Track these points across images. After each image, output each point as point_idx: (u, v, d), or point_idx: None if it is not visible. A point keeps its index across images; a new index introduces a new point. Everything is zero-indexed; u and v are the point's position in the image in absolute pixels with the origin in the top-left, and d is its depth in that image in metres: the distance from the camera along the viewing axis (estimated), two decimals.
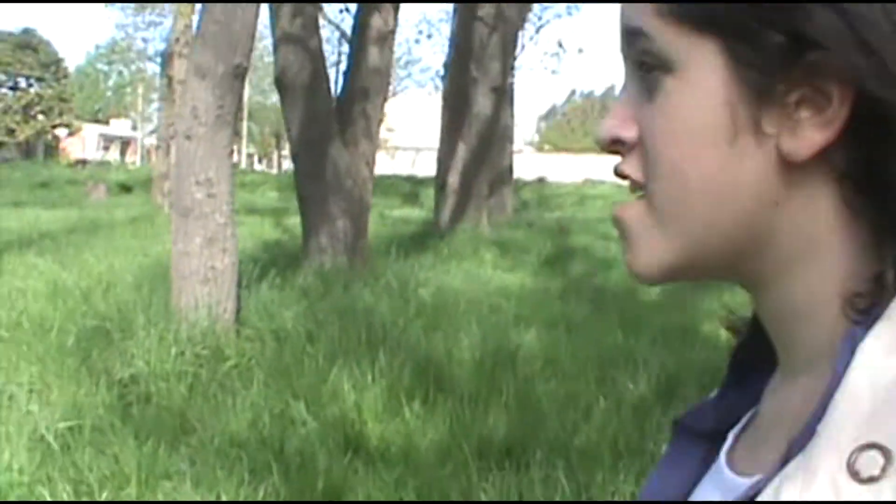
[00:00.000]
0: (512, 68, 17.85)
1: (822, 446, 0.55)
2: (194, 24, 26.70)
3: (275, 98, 58.31)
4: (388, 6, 11.34)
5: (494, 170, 20.58)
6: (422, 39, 24.07)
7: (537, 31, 21.24)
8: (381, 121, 11.53)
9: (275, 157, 69.50)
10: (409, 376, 6.46)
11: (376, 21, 11.28)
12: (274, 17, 10.65)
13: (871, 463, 0.53)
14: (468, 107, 17.73)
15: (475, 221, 17.99)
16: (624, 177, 0.68)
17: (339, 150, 10.76)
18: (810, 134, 0.60)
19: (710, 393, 0.80)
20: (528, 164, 51.72)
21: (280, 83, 10.57)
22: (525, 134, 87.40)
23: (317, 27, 10.74)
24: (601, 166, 70.34)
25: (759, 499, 0.58)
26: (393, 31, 11.57)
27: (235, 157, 55.21)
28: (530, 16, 20.07)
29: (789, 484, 0.56)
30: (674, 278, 0.68)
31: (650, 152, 0.65)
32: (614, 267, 14.87)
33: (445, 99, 19.05)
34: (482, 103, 17.38)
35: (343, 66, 13.89)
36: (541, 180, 44.51)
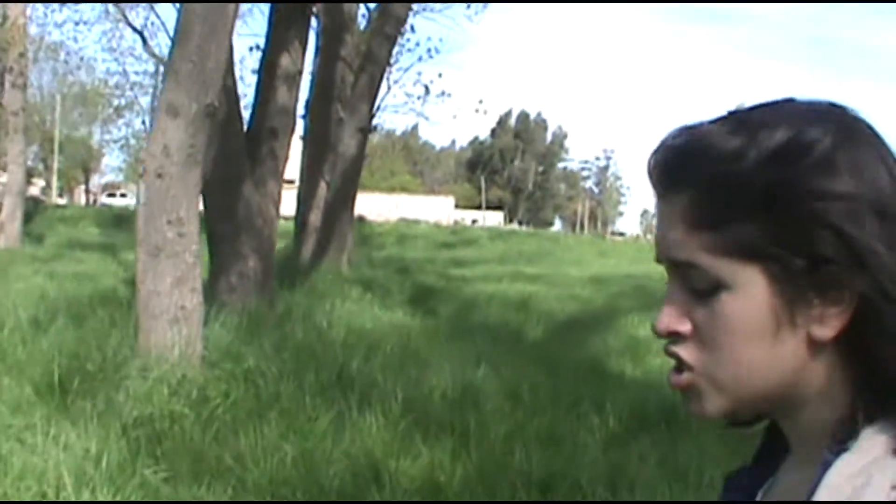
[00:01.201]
0: (377, 109, 18.10)
1: None
2: (30, 54, 25.87)
3: (84, 130, 56.52)
4: (297, 46, 11.42)
5: None
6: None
7: (392, 72, 21.43)
8: (286, 160, 11.55)
9: (79, 190, 66.99)
10: (401, 413, 6.58)
11: (284, 60, 11.33)
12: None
13: None
14: (331, 146, 17.85)
15: (336, 260, 18.06)
16: (674, 356, 0.93)
17: (250, 189, 10.73)
18: (833, 322, 0.86)
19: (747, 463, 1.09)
20: None
21: None
22: None
23: (231, 64, 10.69)
24: (411, 205, 71.67)
25: None
26: (300, 72, 11.65)
27: (37, 191, 52.89)
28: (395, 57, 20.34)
29: None
30: (727, 419, 0.95)
31: (710, 344, 0.90)
32: (477, 307, 15.34)
33: (307, 138, 19.10)
34: (348, 143, 17.53)
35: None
36: (360, 219, 44.70)
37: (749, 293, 0.86)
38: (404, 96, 23.55)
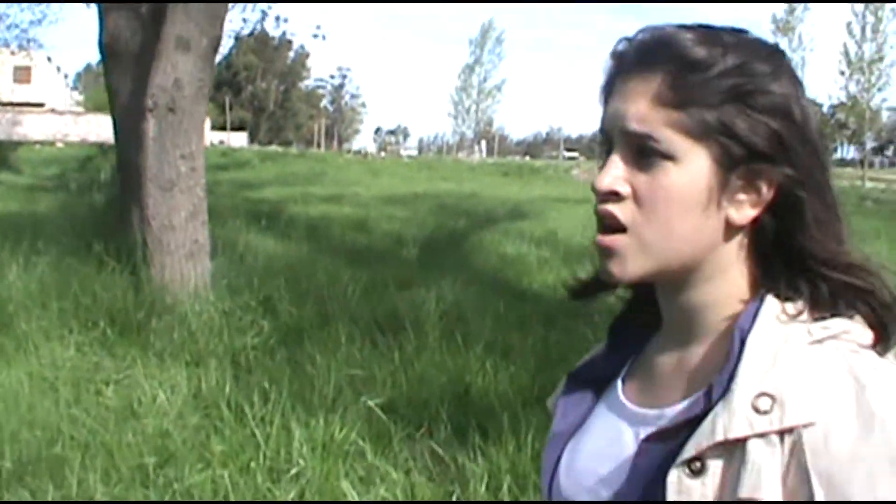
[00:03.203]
0: None
1: (737, 395, 0.96)
2: None
3: None
4: None
5: None
6: None
7: None
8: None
9: None
10: (440, 336, 6.98)
11: None
12: None
13: (764, 403, 0.94)
14: None
15: None
16: (608, 214, 1.05)
17: None
18: (746, 210, 1.03)
19: (591, 352, 1.26)
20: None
21: (109, 49, 10.12)
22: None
23: None
24: None
25: (701, 427, 0.97)
26: None
27: None
28: None
29: (720, 417, 0.96)
30: (639, 282, 1.09)
31: (646, 207, 1.03)
32: (319, 229, 15.58)
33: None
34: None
35: None
36: None
37: (693, 168, 1.01)
38: (241, 21, 23.02)
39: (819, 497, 0.90)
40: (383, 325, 7.27)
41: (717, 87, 1.00)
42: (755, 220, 1.03)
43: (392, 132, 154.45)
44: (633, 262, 1.04)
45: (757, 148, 1.00)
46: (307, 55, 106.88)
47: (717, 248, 1.04)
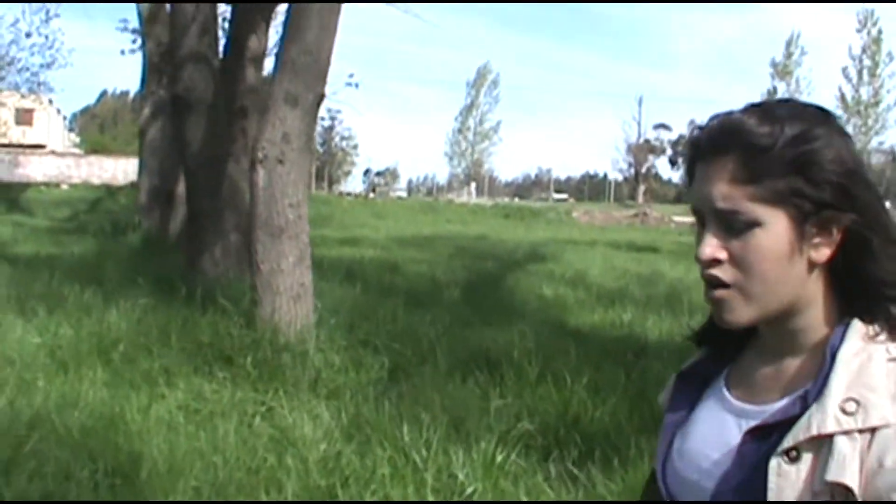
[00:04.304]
0: None
1: (829, 399, 1.21)
2: None
3: None
4: (262, 27, 11.77)
5: None
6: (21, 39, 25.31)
7: None
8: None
9: None
10: (539, 374, 7.46)
11: (252, 42, 11.66)
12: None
13: (850, 407, 1.19)
14: None
15: None
16: (713, 277, 1.29)
17: (233, 167, 11.09)
18: (823, 250, 1.27)
19: (694, 356, 1.51)
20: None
21: (183, 101, 10.68)
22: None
23: (218, 46, 10.99)
24: None
25: (798, 423, 1.22)
26: (265, 52, 12.01)
27: None
28: None
29: (815, 417, 1.21)
30: (750, 325, 1.33)
31: (743, 266, 1.27)
32: (354, 271, 15.98)
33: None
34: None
35: None
36: (133, 185, 43.42)
37: (776, 229, 1.24)
38: None
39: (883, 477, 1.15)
40: (478, 362, 7.74)
41: (783, 160, 1.23)
42: (831, 258, 1.27)
43: (380, 174, 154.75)
44: (742, 311, 1.28)
45: (824, 201, 1.23)
46: None
47: (804, 285, 1.27)
